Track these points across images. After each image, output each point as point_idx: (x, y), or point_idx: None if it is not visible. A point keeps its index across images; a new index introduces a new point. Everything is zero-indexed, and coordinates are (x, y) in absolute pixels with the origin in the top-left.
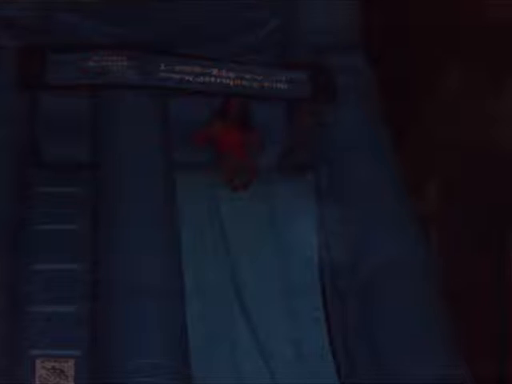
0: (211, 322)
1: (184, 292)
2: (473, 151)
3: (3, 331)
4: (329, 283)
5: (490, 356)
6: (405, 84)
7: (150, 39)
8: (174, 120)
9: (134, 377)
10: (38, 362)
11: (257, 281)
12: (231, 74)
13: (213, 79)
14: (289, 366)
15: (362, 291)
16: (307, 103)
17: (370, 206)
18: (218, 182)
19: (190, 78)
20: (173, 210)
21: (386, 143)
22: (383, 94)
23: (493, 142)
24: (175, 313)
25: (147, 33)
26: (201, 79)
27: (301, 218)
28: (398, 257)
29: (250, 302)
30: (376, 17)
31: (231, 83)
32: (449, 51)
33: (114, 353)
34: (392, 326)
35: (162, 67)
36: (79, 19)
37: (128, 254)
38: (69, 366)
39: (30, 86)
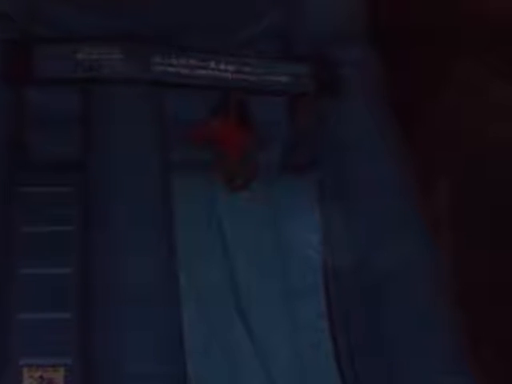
0: (208, 326)
1: (179, 295)
2: (484, 148)
3: None
4: (333, 288)
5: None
6: (412, 78)
7: (145, 30)
8: (169, 117)
9: None
10: (24, 371)
11: (256, 285)
12: (230, 68)
13: (210, 72)
14: (290, 374)
15: (368, 296)
16: (310, 98)
17: (376, 207)
18: (216, 182)
19: (187, 72)
20: (169, 211)
21: (392, 140)
22: (390, 88)
23: (503, 139)
24: (170, 316)
25: (143, 24)
26: (198, 73)
27: (303, 219)
28: (406, 259)
29: (250, 307)
30: (382, 8)
31: (230, 77)
32: (456, 46)
33: (108, 360)
34: (400, 332)
35: (157, 60)
36: (69, 10)
37: (121, 257)
38: (58, 376)
39: (16, 81)
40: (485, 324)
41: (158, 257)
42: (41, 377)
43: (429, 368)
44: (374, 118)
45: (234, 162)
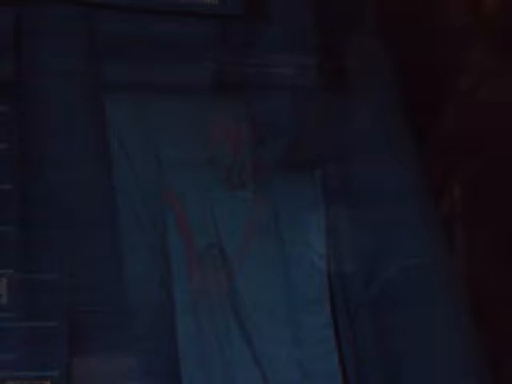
0: (205, 339)
1: (175, 305)
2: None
3: None
4: (339, 296)
5: None
6: (424, 72)
7: None
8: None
9: None
10: None
11: (257, 294)
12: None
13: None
14: None
15: (377, 305)
16: (315, 91)
17: (385, 209)
18: (212, 181)
19: None
20: (162, 211)
21: (403, 137)
22: (400, 83)
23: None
24: (165, 328)
25: None
26: None
27: (307, 222)
28: (417, 266)
29: (249, 318)
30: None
31: (228, 70)
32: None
33: (97, 374)
34: (411, 344)
35: None
36: None
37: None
38: None
39: None
40: (499, 333)
41: (150, 263)
42: None
43: (437, 380)
44: (385, 113)
45: (232, 159)
